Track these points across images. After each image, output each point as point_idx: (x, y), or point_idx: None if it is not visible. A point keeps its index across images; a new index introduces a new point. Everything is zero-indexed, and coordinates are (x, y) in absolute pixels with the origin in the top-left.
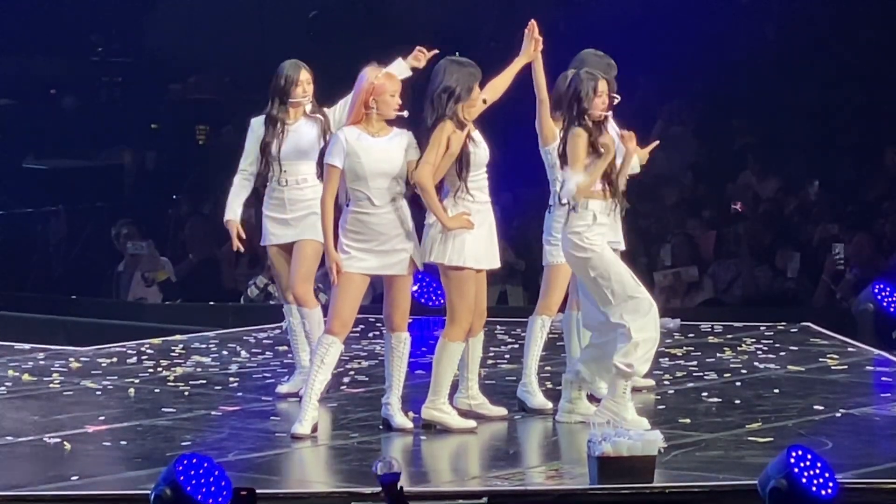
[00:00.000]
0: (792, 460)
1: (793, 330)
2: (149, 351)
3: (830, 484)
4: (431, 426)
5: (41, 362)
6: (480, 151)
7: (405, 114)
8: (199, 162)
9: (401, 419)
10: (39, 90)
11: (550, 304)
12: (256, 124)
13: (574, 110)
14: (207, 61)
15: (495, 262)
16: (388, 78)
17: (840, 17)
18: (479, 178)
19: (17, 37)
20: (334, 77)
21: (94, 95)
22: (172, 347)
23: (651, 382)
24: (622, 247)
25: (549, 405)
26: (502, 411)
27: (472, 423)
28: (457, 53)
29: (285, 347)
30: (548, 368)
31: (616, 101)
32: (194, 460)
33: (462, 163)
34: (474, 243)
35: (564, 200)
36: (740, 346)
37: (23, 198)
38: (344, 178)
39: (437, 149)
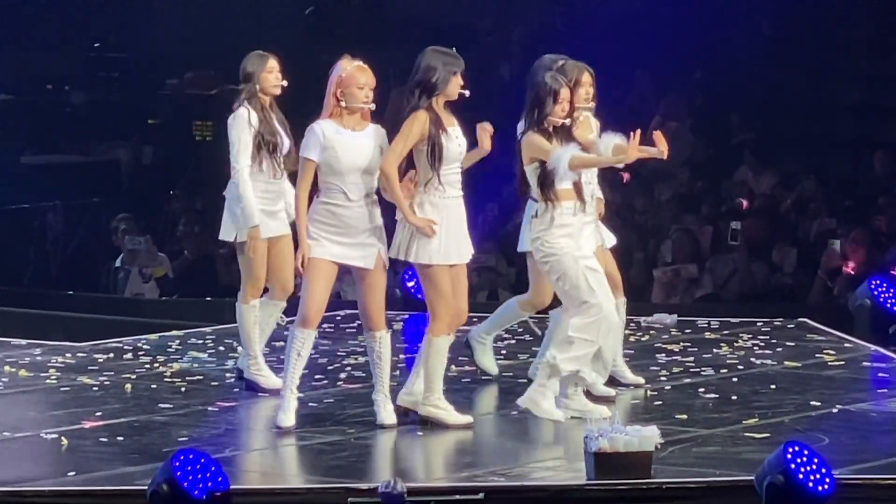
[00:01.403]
0: (788, 456)
1: (789, 326)
2: (145, 346)
3: (827, 480)
4: (428, 422)
5: (38, 358)
6: (453, 146)
7: (372, 107)
8: (196, 158)
9: (385, 414)
10: (37, 85)
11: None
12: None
13: (534, 115)
14: (204, 57)
15: (466, 257)
16: (358, 70)
17: (836, 13)
18: (450, 173)
19: (15, 32)
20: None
21: (91, 91)
22: (169, 343)
23: (640, 380)
24: (608, 243)
25: (612, 392)
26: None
27: (468, 419)
28: (453, 49)
29: (282, 343)
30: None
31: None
32: (191, 456)
33: (434, 155)
34: (445, 239)
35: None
36: (737, 342)
37: (20, 193)
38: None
39: (404, 139)
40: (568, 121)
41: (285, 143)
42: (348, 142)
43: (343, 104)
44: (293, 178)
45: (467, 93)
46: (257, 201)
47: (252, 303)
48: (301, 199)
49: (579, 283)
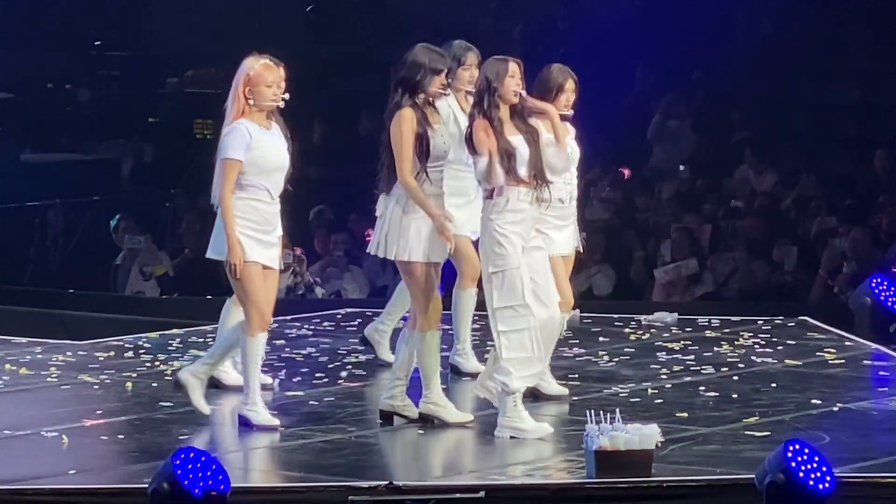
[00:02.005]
0: (789, 454)
1: (790, 324)
2: (146, 345)
3: (828, 478)
4: (429, 420)
5: (38, 356)
6: (438, 143)
7: (281, 104)
8: (196, 156)
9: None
10: (38, 84)
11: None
12: None
13: (485, 95)
14: (205, 55)
15: (446, 255)
16: (265, 67)
17: (836, 12)
18: (434, 171)
19: (16, 30)
20: (331, 70)
21: (92, 89)
22: (170, 341)
23: (564, 391)
24: (564, 251)
25: (566, 391)
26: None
27: (468, 417)
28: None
29: (282, 342)
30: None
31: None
32: (191, 454)
33: (422, 151)
34: (426, 237)
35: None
36: (737, 341)
37: (20, 191)
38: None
39: (404, 142)
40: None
41: None
42: (269, 140)
43: (251, 102)
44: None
45: (448, 92)
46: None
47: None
48: (228, 199)
49: (515, 286)
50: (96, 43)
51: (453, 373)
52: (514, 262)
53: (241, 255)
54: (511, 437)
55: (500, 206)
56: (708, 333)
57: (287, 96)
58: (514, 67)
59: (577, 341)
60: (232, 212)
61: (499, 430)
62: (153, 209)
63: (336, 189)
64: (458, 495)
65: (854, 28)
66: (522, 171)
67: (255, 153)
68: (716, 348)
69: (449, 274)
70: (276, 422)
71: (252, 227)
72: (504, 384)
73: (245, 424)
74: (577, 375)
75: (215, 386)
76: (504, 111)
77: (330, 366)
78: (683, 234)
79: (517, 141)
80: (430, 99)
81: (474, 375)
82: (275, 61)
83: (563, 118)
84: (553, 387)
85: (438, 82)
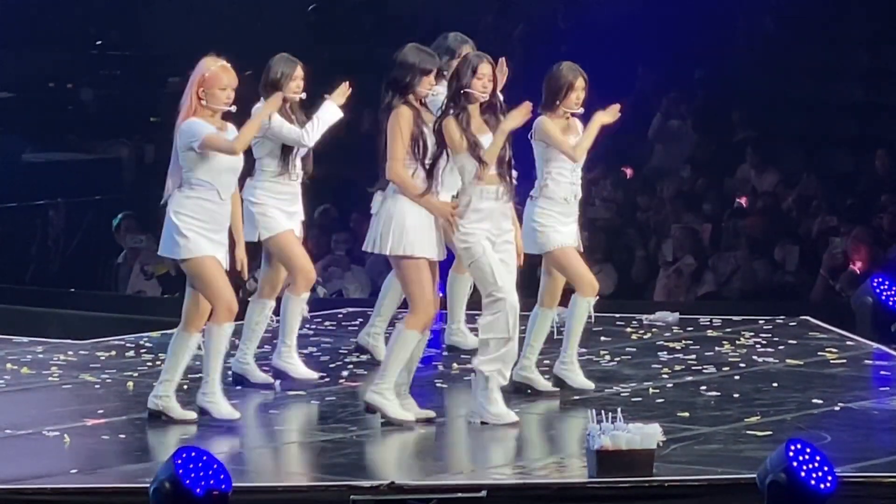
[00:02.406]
0: (791, 454)
1: (791, 323)
2: (147, 344)
3: (829, 478)
4: (374, 411)
5: (40, 355)
6: (431, 143)
7: (233, 109)
8: None
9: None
10: (39, 83)
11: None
12: None
13: (451, 91)
14: (207, 54)
15: (443, 254)
16: (222, 70)
17: (837, 11)
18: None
19: (17, 30)
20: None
21: (93, 89)
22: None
23: (590, 385)
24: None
25: (591, 385)
26: (430, 413)
27: (410, 416)
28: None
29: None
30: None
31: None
32: (193, 453)
33: (419, 150)
34: (421, 232)
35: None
36: (739, 340)
37: (22, 190)
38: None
39: (399, 140)
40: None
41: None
42: None
43: (204, 103)
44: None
45: (435, 92)
46: (277, 202)
47: (303, 295)
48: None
49: (485, 275)
50: (98, 42)
51: (450, 352)
52: (478, 251)
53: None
54: (482, 423)
55: (463, 206)
56: (709, 333)
57: (233, 108)
58: (484, 67)
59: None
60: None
61: (470, 411)
62: (155, 208)
63: (337, 188)
64: (459, 494)
65: (855, 27)
66: (488, 168)
67: (209, 152)
68: (717, 348)
69: (443, 265)
70: (237, 414)
71: (201, 225)
72: (480, 363)
73: (204, 414)
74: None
75: (280, 377)
76: (474, 108)
77: (331, 365)
78: (685, 233)
79: (485, 139)
80: (422, 99)
81: (474, 352)
82: (293, 59)
83: (574, 116)
84: (580, 379)
85: (427, 82)
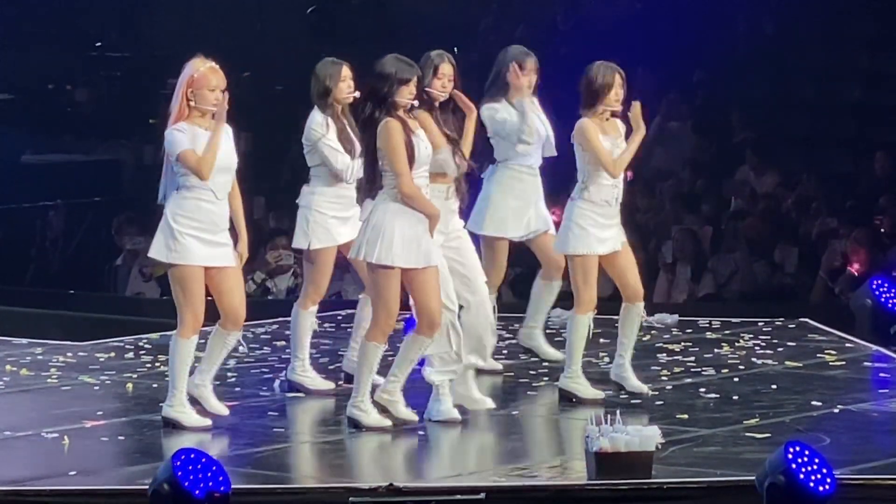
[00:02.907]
0: (790, 456)
1: (790, 325)
2: (146, 346)
3: (828, 480)
4: (356, 426)
5: (39, 357)
6: (422, 149)
7: (224, 108)
8: None
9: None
10: (38, 84)
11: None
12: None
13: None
14: (206, 56)
15: (431, 260)
16: (210, 71)
17: (837, 13)
18: (418, 177)
19: (16, 31)
20: None
21: (92, 90)
22: (170, 342)
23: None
24: (606, 250)
25: (646, 388)
26: (413, 417)
27: (387, 422)
28: (455, 49)
29: (283, 343)
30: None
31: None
32: (192, 455)
33: (410, 156)
34: (407, 244)
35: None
36: (738, 342)
37: (21, 192)
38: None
39: (399, 154)
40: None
41: (357, 149)
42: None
43: (193, 104)
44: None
45: (416, 103)
46: (331, 207)
47: (311, 308)
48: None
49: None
50: (97, 44)
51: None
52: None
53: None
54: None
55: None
56: (708, 335)
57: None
58: (444, 67)
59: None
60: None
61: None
62: (154, 210)
63: None
64: (458, 497)
65: (855, 29)
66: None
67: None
68: (716, 350)
69: (531, 274)
70: (208, 421)
71: (197, 226)
72: (430, 379)
73: (174, 426)
74: None
75: (294, 390)
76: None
77: (330, 367)
78: (684, 235)
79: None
80: (407, 107)
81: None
82: (337, 62)
83: (613, 115)
84: (634, 382)
85: (407, 92)
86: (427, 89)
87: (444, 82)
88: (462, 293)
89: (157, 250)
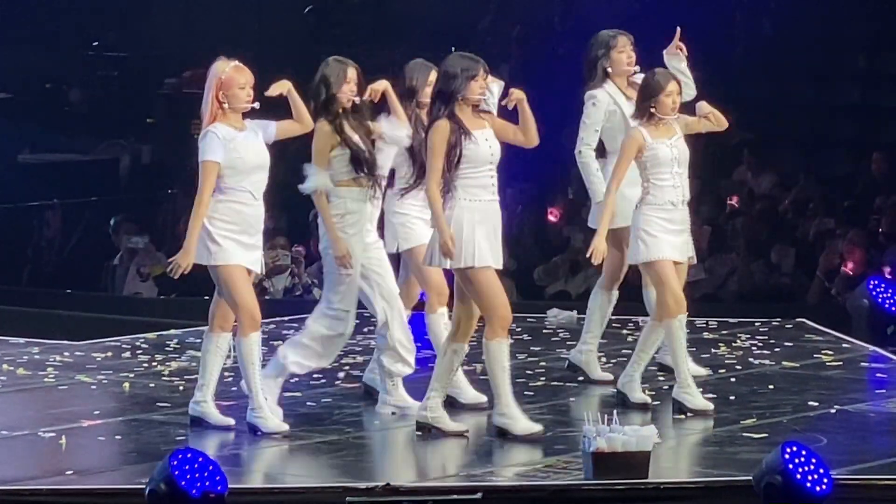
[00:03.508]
0: (786, 456)
1: (788, 326)
2: (144, 345)
3: (825, 480)
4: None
5: (36, 356)
6: (482, 149)
7: (256, 105)
8: (194, 156)
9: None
10: (35, 84)
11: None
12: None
13: (321, 99)
14: (203, 55)
15: (500, 262)
16: (236, 70)
17: (835, 14)
18: (481, 176)
19: (14, 30)
20: None
21: (89, 90)
22: (167, 342)
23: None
24: (677, 257)
25: (711, 406)
26: (461, 427)
27: (537, 427)
28: (453, 49)
29: (280, 343)
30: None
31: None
32: (189, 455)
33: (451, 162)
34: (480, 242)
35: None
36: (735, 342)
37: (18, 192)
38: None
39: (436, 155)
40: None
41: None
42: (244, 142)
43: (226, 106)
44: None
45: (487, 97)
46: (418, 210)
47: (439, 311)
48: (206, 203)
49: (352, 293)
50: (94, 43)
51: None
52: (348, 271)
53: (192, 259)
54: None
55: (341, 209)
56: (706, 335)
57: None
58: (351, 72)
59: (574, 343)
60: (201, 213)
61: (383, 406)
62: (151, 210)
63: None
64: (455, 496)
65: (852, 30)
66: (358, 170)
67: (232, 155)
68: (713, 350)
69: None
70: (286, 427)
71: (233, 229)
72: (284, 357)
73: (253, 432)
74: (574, 377)
75: (451, 405)
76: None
77: (327, 367)
78: None
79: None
80: (479, 103)
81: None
82: (427, 65)
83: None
84: (638, 395)
85: (476, 87)
86: (337, 95)
87: (351, 87)
88: (381, 304)
89: (198, 255)
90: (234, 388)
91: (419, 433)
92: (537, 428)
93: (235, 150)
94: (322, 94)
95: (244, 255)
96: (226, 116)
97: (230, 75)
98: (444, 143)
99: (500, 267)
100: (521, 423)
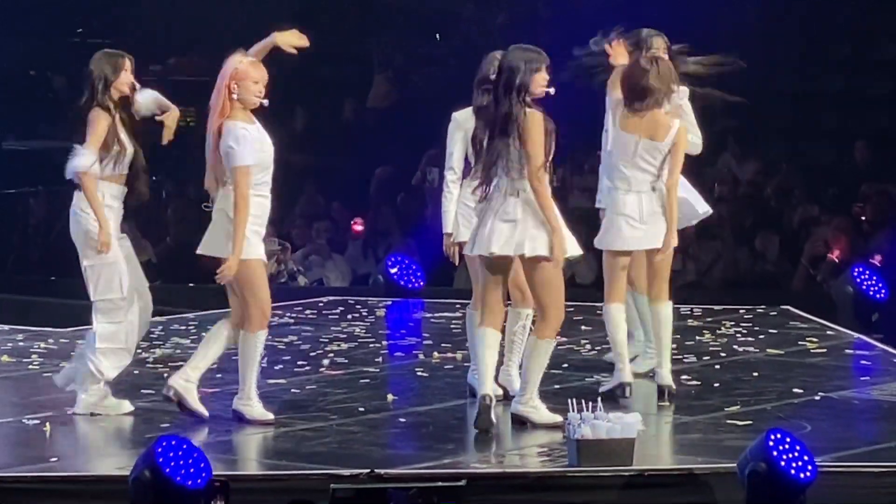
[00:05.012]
0: (771, 443)
1: (772, 313)
2: None
3: (809, 467)
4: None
5: (20, 343)
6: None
7: (266, 102)
8: (180, 144)
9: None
10: (19, 71)
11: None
12: (463, 118)
13: (97, 89)
14: (189, 43)
15: (480, 248)
16: (251, 65)
17: (820, 3)
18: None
19: None
20: (315, 59)
21: (74, 77)
22: (152, 329)
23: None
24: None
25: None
26: (558, 419)
27: (558, 418)
28: (437, 36)
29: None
30: None
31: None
32: (173, 442)
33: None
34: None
35: (69, 176)
36: (720, 329)
37: (2, 179)
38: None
39: (538, 144)
40: None
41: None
42: (263, 137)
43: (236, 97)
44: None
45: (552, 90)
46: (463, 207)
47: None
48: (247, 206)
49: (112, 280)
50: (79, 30)
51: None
52: (110, 257)
53: (241, 252)
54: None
55: (98, 201)
56: (690, 322)
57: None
58: (126, 63)
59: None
60: (246, 216)
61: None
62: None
63: (319, 177)
64: (439, 483)
65: (837, 19)
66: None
67: (259, 153)
68: (698, 337)
69: None
70: (270, 416)
71: (258, 222)
72: (99, 371)
73: (239, 419)
74: (559, 364)
75: (472, 394)
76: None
77: (312, 354)
78: None
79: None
80: (542, 95)
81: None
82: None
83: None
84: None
85: (541, 79)
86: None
87: (128, 76)
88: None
89: (217, 247)
90: (219, 375)
91: (516, 426)
92: (559, 418)
93: (261, 145)
94: (99, 86)
95: (260, 248)
96: (235, 110)
97: (245, 69)
98: (541, 132)
99: (483, 252)
100: (543, 412)
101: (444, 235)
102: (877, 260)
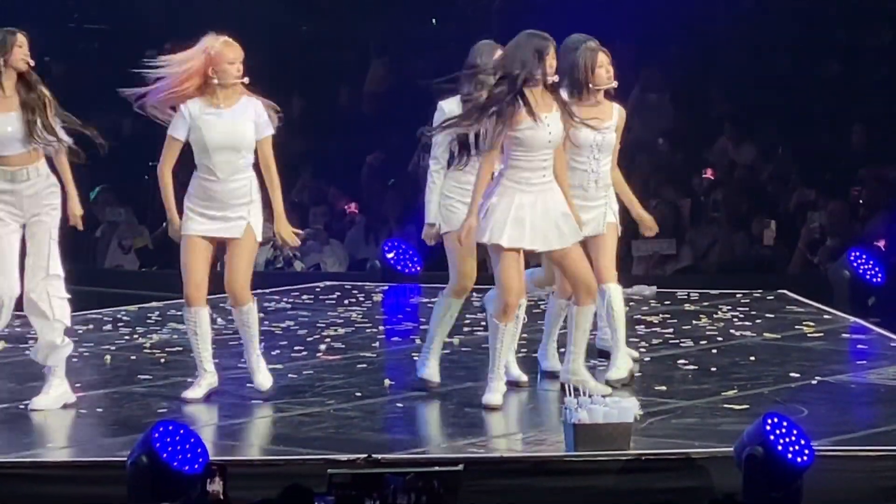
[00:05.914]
0: (768, 427)
1: (769, 297)
2: (125, 318)
3: (806, 451)
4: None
5: (17, 329)
6: (541, 134)
7: (245, 80)
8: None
9: (261, 378)
10: None
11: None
12: (449, 108)
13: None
14: (185, 28)
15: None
16: (226, 45)
17: None
18: (537, 159)
19: None
20: (312, 46)
21: (70, 62)
22: (149, 314)
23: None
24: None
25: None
26: (607, 389)
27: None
28: (433, 21)
29: (261, 315)
30: None
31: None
32: (170, 427)
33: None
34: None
35: None
36: (716, 314)
37: None
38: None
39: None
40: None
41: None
42: (214, 121)
43: (216, 81)
44: None
45: (556, 78)
46: (461, 193)
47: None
48: (166, 176)
49: None
50: (74, 15)
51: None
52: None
53: (177, 225)
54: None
55: None
56: (687, 307)
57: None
58: (21, 38)
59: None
60: (168, 185)
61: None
62: (132, 182)
63: (315, 162)
64: (436, 468)
65: (833, 4)
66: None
67: (196, 134)
68: (694, 321)
69: None
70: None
71: (197, 202)
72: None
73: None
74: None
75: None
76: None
77: (309, 339)
78: (663, 207)
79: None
80: (548, 80)
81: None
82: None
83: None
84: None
85: (548, 64)
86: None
87: (24, 51)
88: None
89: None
90: (215, 360)
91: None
92: (608, 389)
93: (199, 129)
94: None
95: (206, 225)
96: (214, 92)
97: (219, 50)
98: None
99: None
100: (591, 383)
101: (426, 225)
102: (881, 244)
